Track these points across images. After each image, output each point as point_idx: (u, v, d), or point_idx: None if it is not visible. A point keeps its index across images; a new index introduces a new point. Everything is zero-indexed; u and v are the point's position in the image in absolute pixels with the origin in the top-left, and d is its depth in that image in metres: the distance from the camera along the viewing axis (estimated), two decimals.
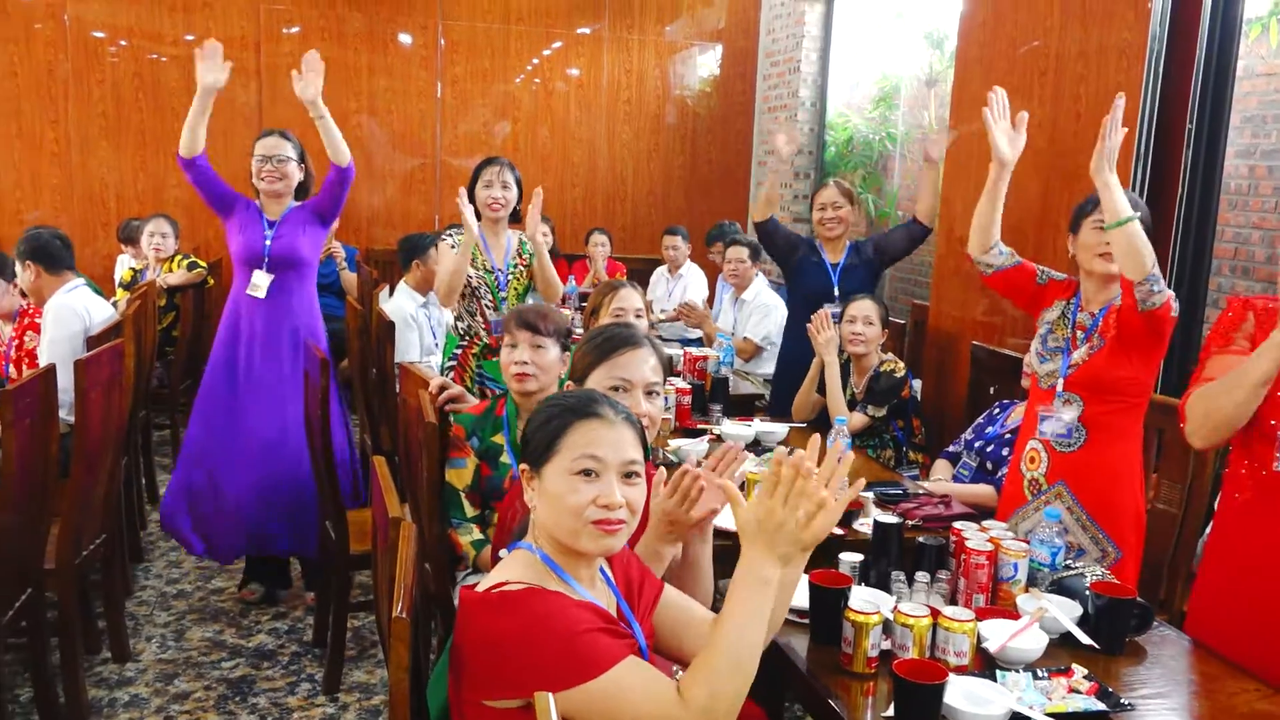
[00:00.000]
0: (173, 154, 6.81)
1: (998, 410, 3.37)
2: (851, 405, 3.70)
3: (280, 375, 3.64)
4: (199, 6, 6.86)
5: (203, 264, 5.52)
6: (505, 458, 2.57)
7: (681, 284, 6.30)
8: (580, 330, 5.31)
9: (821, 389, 3.74)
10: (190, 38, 6.86)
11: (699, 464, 2.02)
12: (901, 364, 3.71)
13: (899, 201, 6.54)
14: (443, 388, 2.88)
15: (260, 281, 3.61)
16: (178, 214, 6.20)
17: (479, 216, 3.68)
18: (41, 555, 2.89)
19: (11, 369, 3.79)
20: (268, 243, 3.60)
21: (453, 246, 3.63)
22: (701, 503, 1.77)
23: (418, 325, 4.61)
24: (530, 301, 3.84)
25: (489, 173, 3.66)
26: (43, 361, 3.50)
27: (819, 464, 1.42)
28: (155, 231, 5.45)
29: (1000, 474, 3.03)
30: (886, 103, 6.59)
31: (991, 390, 3.78)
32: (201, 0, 6.86)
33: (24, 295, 3.85)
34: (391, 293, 5.14)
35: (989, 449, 3.20)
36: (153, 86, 6.85)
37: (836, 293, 4.00)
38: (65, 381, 3.14)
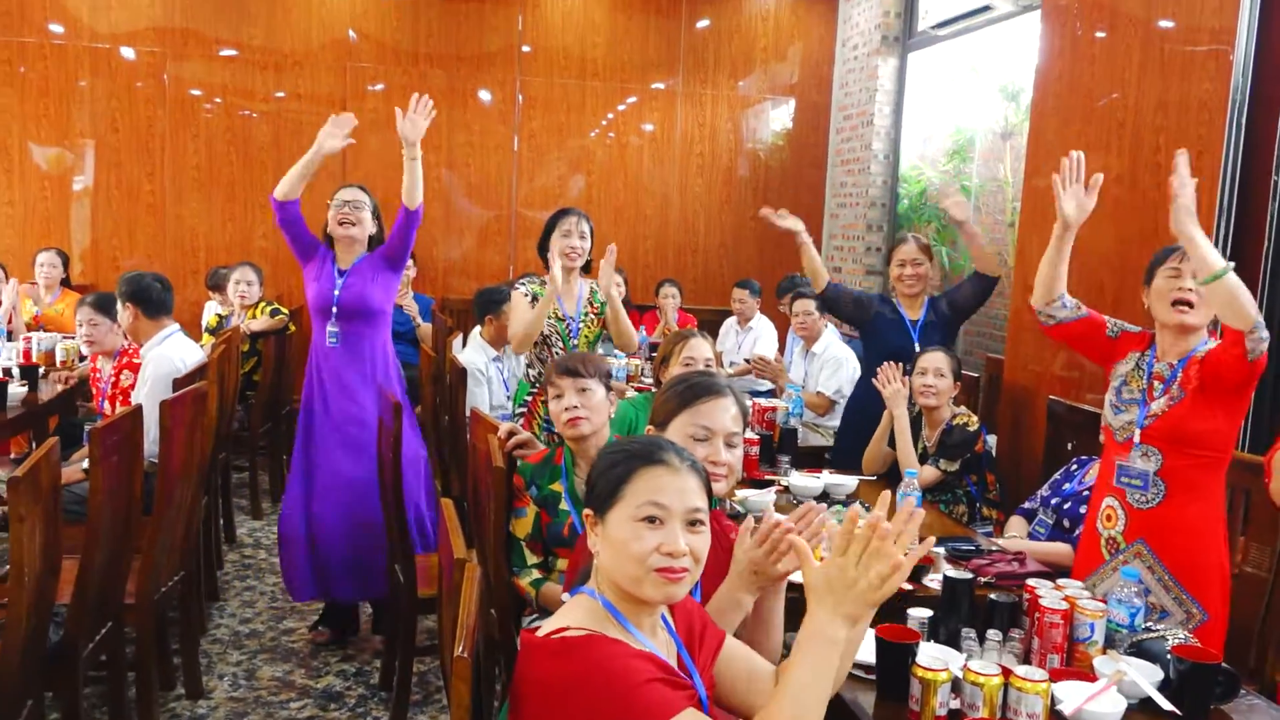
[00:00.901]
0: (260, 205, 7.07)
1: (1075, 467, 3.28)
2: (923, 459, 3.64)
3: (354, 421, 3.72)
4: (290, 65, 7.15)
5: (285, 311, 5.69)
6: (563, 504, 2.58)
7: (751, 336, 6.29)
8: (650, 380, 5.34)
9: (892, 442, 3.69)
10: (280, 95, 7.14)
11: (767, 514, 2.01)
12: (975, 418, 3.64)
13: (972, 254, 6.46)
14: (511, 433, 2.91)
15: (330, 329, 3.70)
16: (263, 263, 6.42)
17: (547, 267, 3.74)
18: (123, 590, 2.97)
19: (107, 405, 3.93)
20: (337, 292, 3.70)
21: (526, 295, 3.68)
22: (788, 557, 1.76)
23: (488, 379, 4.67)
24: (600, 350, 3.87)
25: (566, 223, 3.72)
26: (140, 398, 3.63)
27: (889, 519, 1.40)
28: (241, 279, 5.64)
29: (1077, 532, 2.94)
30: (961, 156, 6.54)
31: (1069, 446, 3.69)
32: (292, 59, 7.15)
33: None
34: (465, 343, 5.23)
35: (1066, 506, 3.12)
36: (243, 141, 7.13)
37: (917, 349, 3.95)
38: (151, 422, 3.25)
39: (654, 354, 5.89)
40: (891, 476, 3.61)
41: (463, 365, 4.22)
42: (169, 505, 3.11)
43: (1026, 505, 3.33)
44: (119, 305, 3.86)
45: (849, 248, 7.42)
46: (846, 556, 1.38)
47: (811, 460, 4.05)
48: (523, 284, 3.76)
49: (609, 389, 2.73)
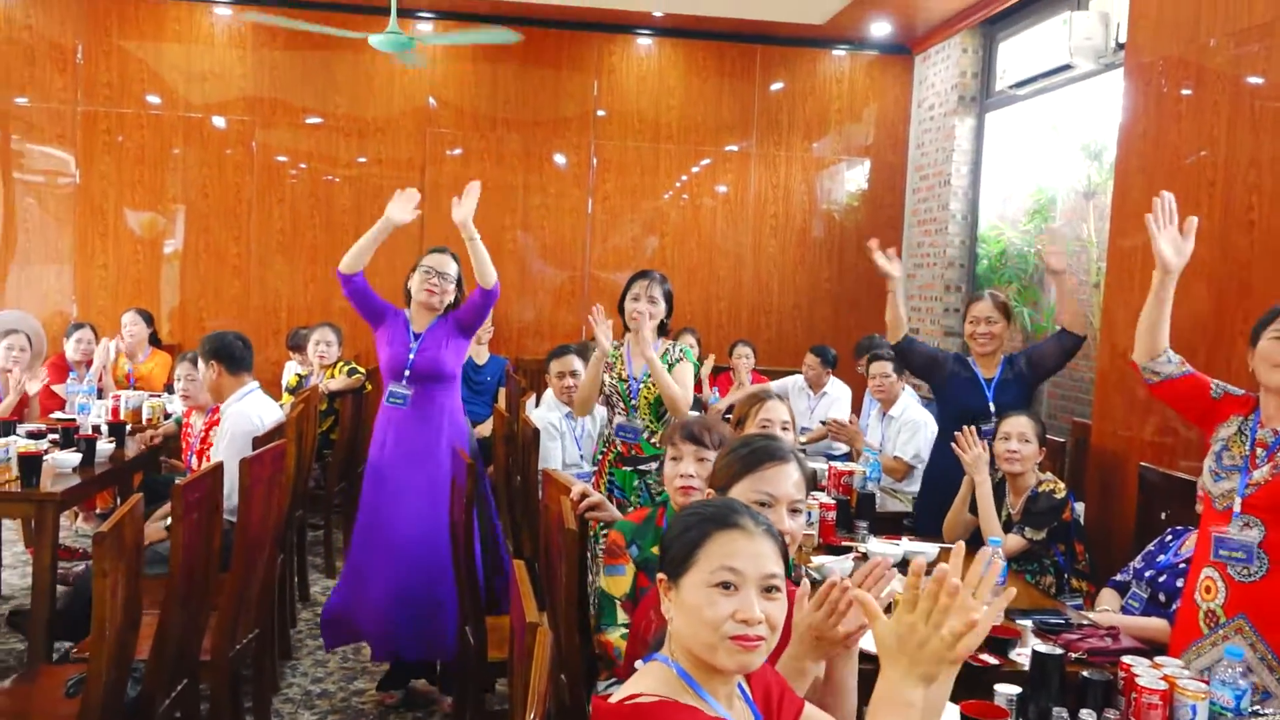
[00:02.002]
0: (335, 270, 7.27)
1: (1170, 537, 3.15)
2: (1007, 527, 3.53)
3: (423, 483, 3.75)
4: (372, 132, 7.40)
5: (362, 370, 5.80)
6: None
7: (825, 401, 6.21)
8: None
9: (974, 508, 3.59)
10: (362, 160, 7.38)
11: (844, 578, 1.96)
12: (1062, 484, 3.53)
13: (1056, 315, 6.34)
14: (584, 495, 2.90)
15: (401, 392, 3.76)
16: (342, 323, 6.57)
17: (625, 328, 3.76)
18: (199, 646, 3.02)
19: (195, 460, 4.04)
20: (411, 355, 3.76)
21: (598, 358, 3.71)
22: (849, 618, 1.71)
23: (560, 435, 4.69)
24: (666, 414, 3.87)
25: (639, 286, 3.74)
26: (219, 455, 3.71)
27: (964, 576, 1.35)
28: (321, 339, 5.78)
29: (1174, 607, 2.81)
30: (1042, 215, 6.45)
31: (1163, 516, 3.55)
32: (374, 126, 7.40)
33: None
34: (538, 402, 5.27)
35: (1161, 579, 2.99)
36: (326, 205, 7.37)
37: (992, 409, 3.87)
38: (230, 479, 3.32)
39: (727, 415, 5.90)
40: (974, 544, 3.51)
41: (535, 426, 4.25)
42: (246, 562, 3.16)
43: (1119, 577, 3.21)
44: (201, 363, 3.98)
45: (926, 308, 7.33)
46: (916, 613, 1.33)
47: (890, 526, 3.96)
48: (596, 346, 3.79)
49: None
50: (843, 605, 1.71)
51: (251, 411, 3.87)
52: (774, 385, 6.45)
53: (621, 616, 2.52)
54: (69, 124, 7.15)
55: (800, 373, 6.40)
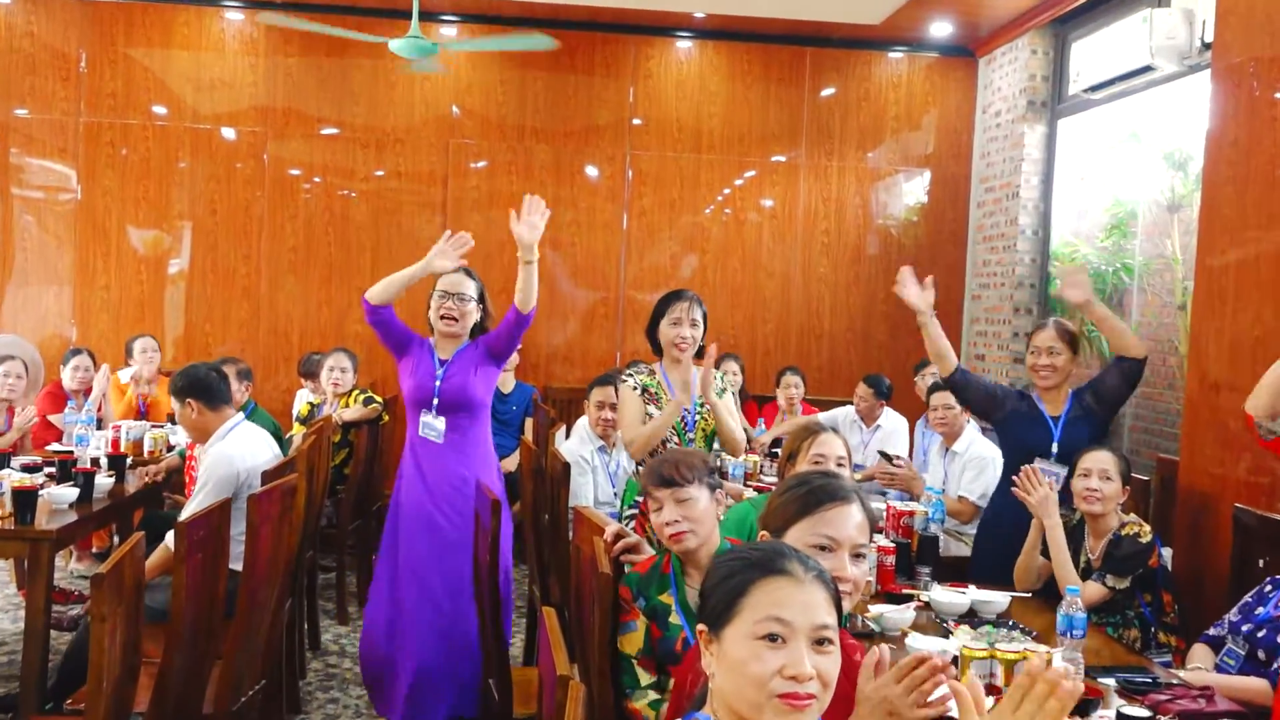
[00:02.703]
0: (358, 288, 7.33)
1: (1270, 588, 3.08)
2: (1086, 574, 3.47)
3: (448, 520, 3.76)
4: (391, 143, 7.49)
5: (379, 399, 5.84)
6: (675, 617, 2.54)
7: (879, 435, 6.14)
8: (772, 478, 5.27)
9: (1046, 553, 3.54)
10: (380, 173, 7.48)
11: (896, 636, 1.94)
12: (1147, 527, 3.47)
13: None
14: (619, 536, 2.89)
15: (434, 424, 3.78)
16: (358, 349, 6.62)
17: (661, 354, 3.75)
18: (201, 698, 3.03)
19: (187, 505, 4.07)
20: (438, 383, 3.79)
21: (635, 389, 3.68)
22: (937, 704, 1.64)
23: (591, 469, 4.69)
24: (717, 444, 3.85)
25: (677, 309, 3.72)
26: (191, 508, 3.66)
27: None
28: (335, 366, 5.83)
29: (1276, 665, 2.75)
30: (1121, 230, 6.38)
31: (1260, 564, 3.47)
32: (394, 137, 7.49)
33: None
34: (569, 434, 5.27)
35: (1260, 634, 2.92)
36: (341, 221, 7.46)
37: (1055, 449, 3.83)
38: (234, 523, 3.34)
39: (775, 449, 5.88)
40: (1048, 593, 3.46)
41: (565, 460, 4.25)
42: (253, 608, 3.18)
43: (1212, 632, 3.14)
44: (177, 404, 3.91)
45: (993, 333, 7.27)
46: (1018, 714, 1.31)
47: (955, 573, 3.91)
48: (630, 374, 3.77)
49: (716, 487, 2.69)
50: (929, 686, 1.63)
51: (234, 452, 3.78)
52: (823, 417, 6.40)
53: (644, 677, 2.51)
54: (71, 136, 7.31)
55: (852, 403, 6.36)
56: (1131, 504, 3.68)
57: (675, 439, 3.69)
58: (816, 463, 3.07)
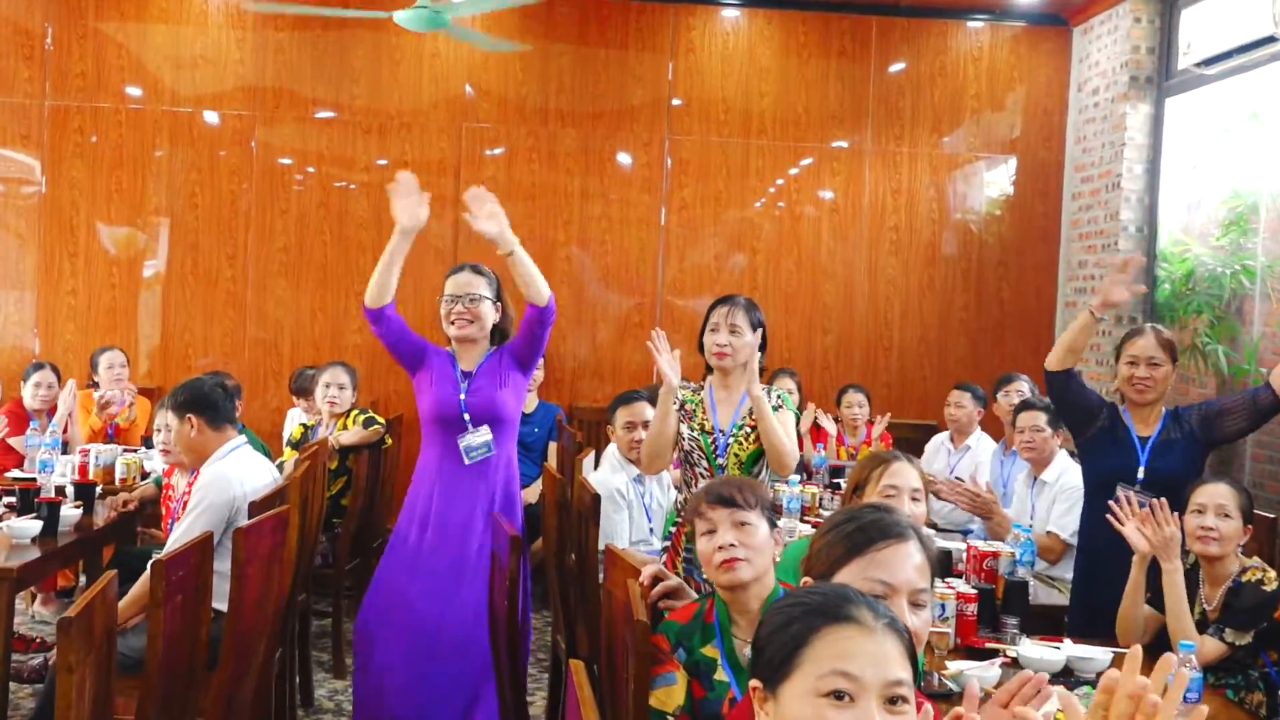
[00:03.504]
0: (356, 292, 7.40)
1: None
2: (1201, 626, 3.44)
3: (465, 557, 3.78)
4: (395, 128, 7.57)
5: (381, 420, 5.87)
6: (720, 673, 2.54)
7: (969, 458, 6.11)
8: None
9: (1152, 601, 3.50)
10: (382, 162, 7.54)
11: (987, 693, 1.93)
12: (1273, 573, 3.43)
13: (1260, 355, 6.20)
14: (656, 578, 2.89)
15: (479, 441, 3.80)
16: (356, 361, 6.67)
17: (708, 369, 3.77)
18: None
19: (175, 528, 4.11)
20: (462, 396, 3.81)
21: (674, 405, 3.71)
22: None
23: (628, 503, 4.69)
24: (766, 474, 3.85)
25: (717, 314, 3.75)
26: (178, 534, 3.74)
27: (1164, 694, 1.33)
28: (331, 382, 5.86)
29: None
30: (1240, 227, 6.31)
31: None
32: (399, 121, 7.56)
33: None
34: (598, 461, 5.27)
35: None
36: (338, 217, 7.54)
37: (1141, 474, 3.80)
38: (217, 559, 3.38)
39: (835, 480, 5.86)
40: (1161, 647, 3.42)
41: (595, 490, 4.26)
42: (239, 657, 3.21)
43: None
44: (173, 418, 4.01)
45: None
46: None
47: (1046, 624, 3.88)
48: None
49: (775, 524, 2.70)
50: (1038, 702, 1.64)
51: (232, 475, 3.86)
52: (929, 447, 6.39)
53: None
54: (34, 122, 7.43)
55: (932, 427, 6.34)
56: (1254, 546, 3.64)
57: (706, 466, 3.70)
58: (888, 495, 3.05)
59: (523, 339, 3.87)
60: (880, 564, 2.01)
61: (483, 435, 3.82)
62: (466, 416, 3.83)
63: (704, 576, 3.58)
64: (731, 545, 2.58)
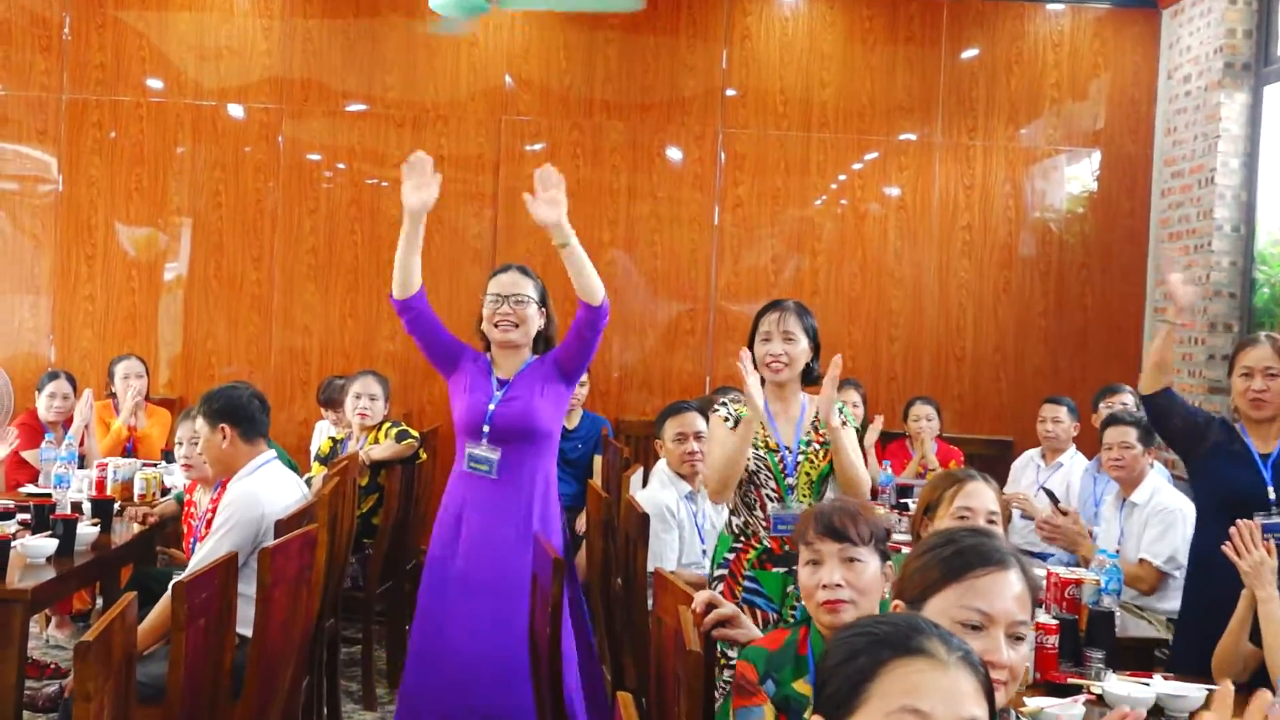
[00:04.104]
0: (388, 297, 7.45)
1: None
2: None
3: (501, 581, 3.79)
4: (430, 121, 7.62)
5: (415, 434, 5.89)
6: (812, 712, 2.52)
7: (1060, 476, 6.05)
8: (903, 536, 5.21)
9: (1256, 637, 3.45)
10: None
11: None
12: None
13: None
14: (710, 605, 2.89)
15: (483, 456, 3.82)
16: (389, 371, 6.72)
17: (761, 382, 3.76)
18: None
19: (197, 548, 4.16)
20: (492, 406, 3.82)
21: (728, 420, 3.69)
22: None
23: (678, 522, 4.68)
24: (831, 494, 3.83)
25: (768, 321, 3.74)
26: (202, 553, 3.78)
27: None
28: (363, 392, 5.90)
29: None
30: None
31: None
32: (434, 114, 7.61)
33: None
34: (646, 479, 5.27)
35: None
36: (370, 216, 7.59)
37: (1272, 496, 3.75)
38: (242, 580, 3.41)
39: (903, 500, 5.83)
40: (1260, 685, 3.37)
41: (643, 510, 4.26)
42: (264, 686, 3.23)
43: None
44: (205, 426, 4.07)
45: (1184, 354, 7.12)
46: None
47: (1135, 658, 3.84)
48: (723, 404, 3.78)
49: (887, 559, 2.68)
50: None
51: (262, 492, 3.91)
52: (1016, 464, 6.35)
53: None
54: (52, 116, 7.55)
55: (1007, 443, 6.29)
56: None
57: (774, 486, 3.68)
58: (961, 518, 3.04)
59: (570, 345, 3.86)
60: (978, 592, 2.00)
61: (493, 454, 3.82)
62: (486, 429, 3.83)
63: (773, 605, 3.58)
64: (838, 585, 2.57)
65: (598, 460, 6.28)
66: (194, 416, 4.37)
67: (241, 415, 4.03)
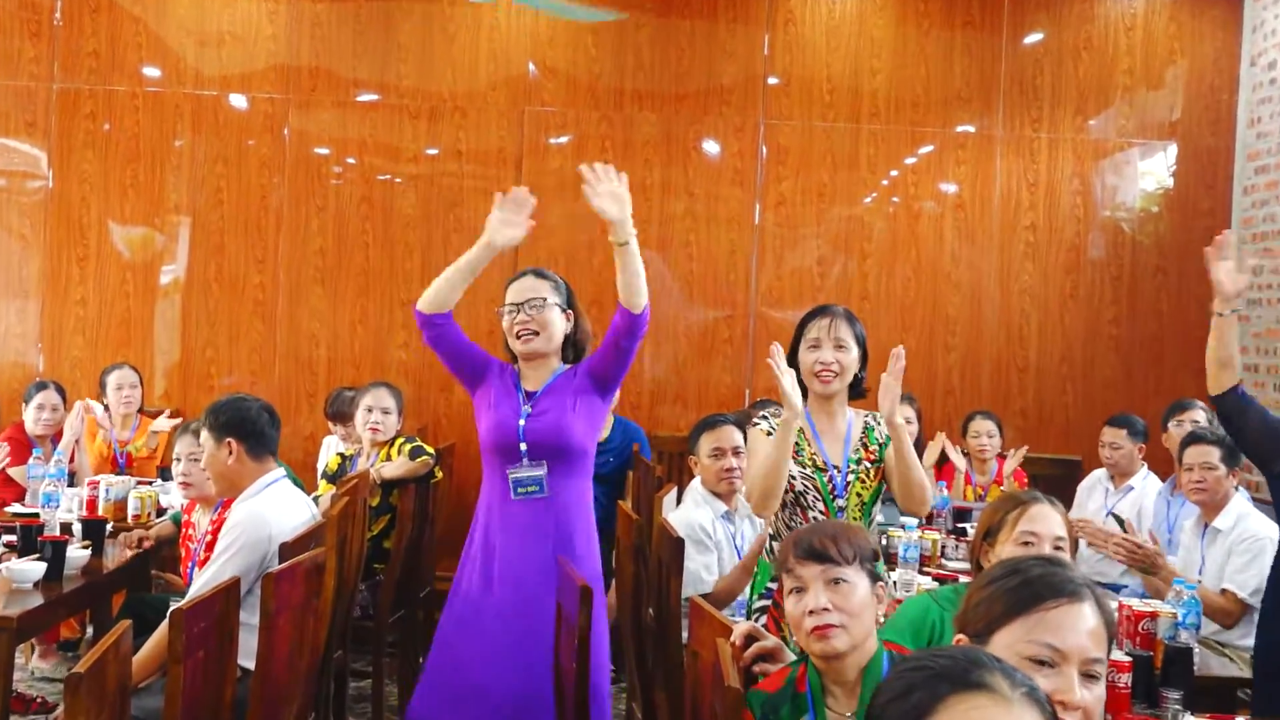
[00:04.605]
0: (402, 302, 7.48)
1: None
2: None
3: (530, 612, 3.78)
4: (448, 112, 7.64)
5: (430, 450, 5.90)
6: None
7: (1131, 499, 6.01)
8: (959, 563, 5.20)
9: None
10: (433, 152, 7.62)
11: None
12: None
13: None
14: (751, 637, 2.88)
15: (530, 477, 3.81)
16: (403, 382, 6.74)
17: (804, 392, 3.74)
18: None
19: (197, 574, 4.17)
20: (522, 422, 3.82)
21: (769, 434, 3.69)
22: None
23: (715, 544, 4.67)
24: (880, 516, 3.82)
25: (816, 327, 3.72)
26: (205, 579, 3.79)
27: None
28: (374, 405, 5.92)
29: None
30: None
31: None
32: (452, 104, 7.64)
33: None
34: (679, 499, 5.26)
35: None
36: (383, 214, 7.62)
37: None
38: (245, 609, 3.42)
39: (961, 524, 5.80)
40: None
41: (677, 534, 4.25)
42: None
43: None
44: (210, 440, 4.09)
45: (1266, 366, 7.08)
46: None
47: (1217, 700, 3.81)
48: (764, 417, 3.78)
49: (879, 578, 2.67)
50: None
51: (269, 513, 3.92)
52: (1083, 486, 6.32)
53: None
54: (41, 108, 7.61)
55: (1075, 463, 6.26)
56: None
57: (823, 508, 3.67)
58: (1025, 544, 3.02)
59: (606, 354, 3.85)
60: (1049, 626, 2.00)
61: (538, 470, 3.82)
62: (523, 446, 3.83)
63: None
64: (825, 610, 2.57)
65: (632, 476, 6.26)
66: (191, 430, 4.39)
67: (250, 430, 4.05)
